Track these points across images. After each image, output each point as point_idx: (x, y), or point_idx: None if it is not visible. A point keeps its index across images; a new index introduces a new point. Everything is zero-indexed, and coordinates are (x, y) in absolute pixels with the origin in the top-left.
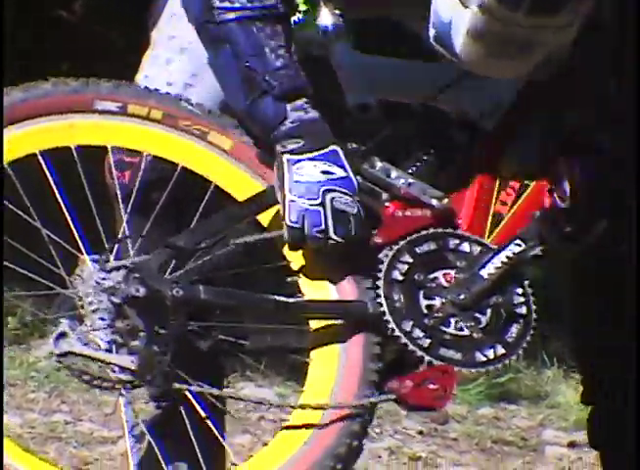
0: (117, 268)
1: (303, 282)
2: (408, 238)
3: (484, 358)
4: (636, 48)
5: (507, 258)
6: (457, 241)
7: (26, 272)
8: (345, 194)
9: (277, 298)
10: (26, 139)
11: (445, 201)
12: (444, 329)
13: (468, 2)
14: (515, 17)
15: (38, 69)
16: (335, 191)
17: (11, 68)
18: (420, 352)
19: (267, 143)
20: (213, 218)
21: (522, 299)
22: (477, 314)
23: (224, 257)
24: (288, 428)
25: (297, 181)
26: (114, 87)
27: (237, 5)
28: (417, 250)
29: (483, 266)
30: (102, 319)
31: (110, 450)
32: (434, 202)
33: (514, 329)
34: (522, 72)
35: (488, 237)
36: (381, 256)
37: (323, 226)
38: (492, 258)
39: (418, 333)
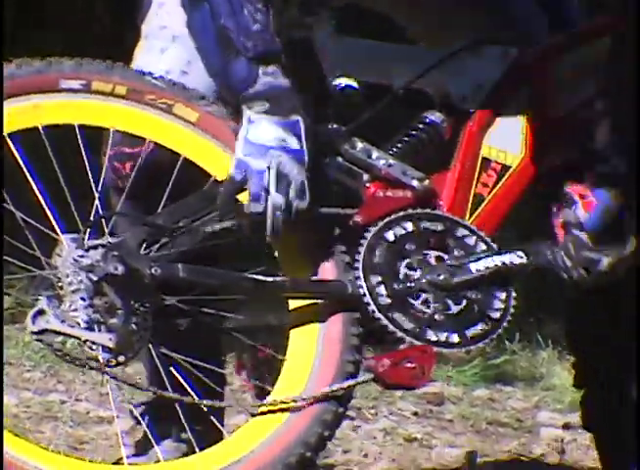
0: (95, 247)
1: (283, 261)
2: (387, 219)
3: (434, 338)
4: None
5: (502, 262)
6: (465, 232)
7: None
8: (295, 163)
9: (256, 276)
10: None
11: (426, 182)
12: (410, 299)
13: None
14: None
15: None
16: (283, 157)
17: None
18: (373, 307)
19: (235, 105)
20: (191, 198)
21: (500, 304)
22: (449, 300)
23: (201, 237)
24: (262, 412)
25: (249, 141)
26: (76, 65)
27: None
28: (419, 224)
29: (476, 261)
30: (81, 298)
31: (106, 430)
32: (415, 183)
33: (478, 327)
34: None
35: (469, 218)
36: (362, 234)
37: (265, 186)
38: (488, 257)
39: (382, 291)
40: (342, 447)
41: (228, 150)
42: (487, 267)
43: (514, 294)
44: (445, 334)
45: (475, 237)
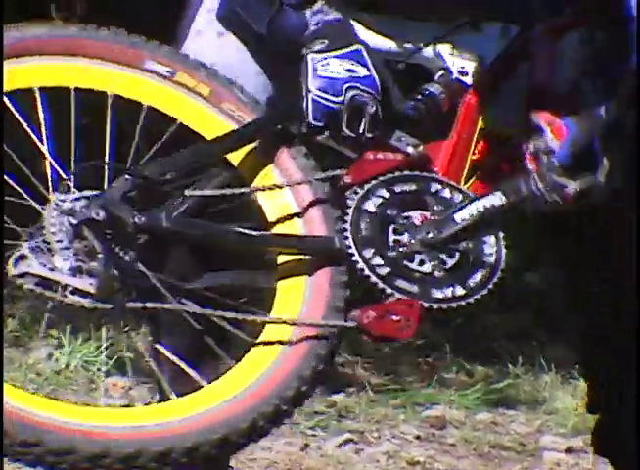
0: (80, 198)
1: (271, 216)
2: (382, 178)
3: (441, 295)
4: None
5: (484, 207)
6: (438, 186)
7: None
8: (367, 92)
9: (242, 230)
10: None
11: (420, 148)
12: (406, 263)
13: None
14: None
15: None
16: (357, 89)
17: None
18: (375, 280)
19: (296, 54)
20: (182, 152)
21: (492, 249)
22: (443, 255)
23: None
24: (257, 347)
25: (321, 77)
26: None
27: None
28: (394, 188)
29: (458, 211)
30: (61, 241)
31: None
32: (410, 149)
33: (478, 275)
34: None
35: (464, 185)
36: (351, 192)
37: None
38: (469, 204)
39: (378, 261)
40: None
41: (230, 120)
42: (471, 215)
43: (502, 235)
44: (450, 289)
45: (449, 188)
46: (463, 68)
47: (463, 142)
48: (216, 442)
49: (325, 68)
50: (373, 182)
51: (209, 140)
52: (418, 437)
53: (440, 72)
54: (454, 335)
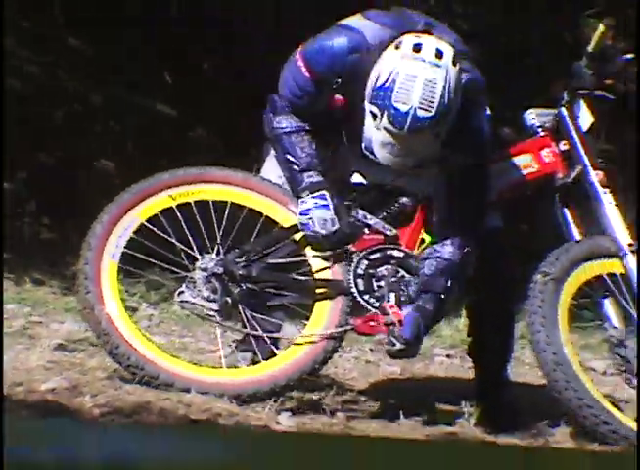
0: (212, 259)
1: (313, 266)
2: (369, 249)
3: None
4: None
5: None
6: (402, 253)
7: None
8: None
9: (295, 277)
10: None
11: (394, 232)
12: (377, 295)
13: (378, 127)
14: (400, 133)
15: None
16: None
17: None
18: (363, 303)
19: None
20: (265, 237)
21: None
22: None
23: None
24: (297, 344)
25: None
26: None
27: (283, 125)
28: (376, 255)
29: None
30: (201, 283)
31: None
32: (388, 232)
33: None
34: (409, 165)
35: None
36: (355, 256)
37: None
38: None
39: (366, 295)
40: None
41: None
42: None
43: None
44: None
45: (406, 254)
46: (419, 188)
47: (418, 228)
48: (283, 386)
49: (302, 205)
50: (366, 250)
51: (282, 228)
52: None
53: (407, 190)
54: None
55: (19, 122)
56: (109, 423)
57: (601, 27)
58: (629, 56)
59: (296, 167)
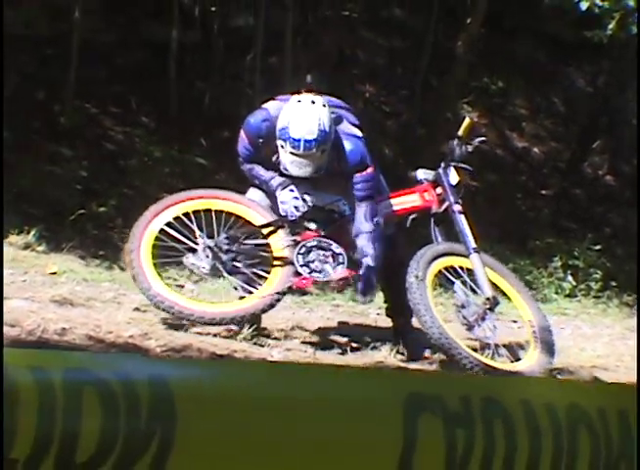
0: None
1: (273, 248)
2: (308, 240)
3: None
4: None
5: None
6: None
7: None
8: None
9: (261, 253)
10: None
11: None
12: (311, 266)
13: (285, 152)
14: (298, 153)
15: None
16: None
17: None
18: (300, 269)
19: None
20: (242, 228)
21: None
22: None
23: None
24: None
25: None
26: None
27: (248, 167)
28: (308, 244)
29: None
30: (203, 251)
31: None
32: (321, 231)
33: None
34: (310, 173)
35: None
36: (300, 244)
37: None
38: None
39: (303, 266)
40: None
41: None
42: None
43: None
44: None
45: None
46: (345, 208)
47: (344, 232)
48: (242, 316)
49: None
50: (306, 240)
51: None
52: None
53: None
54: None
55: None
56: (164, 357)
57: (468, 120)
58: (482, 139)
59: (265, 181)
